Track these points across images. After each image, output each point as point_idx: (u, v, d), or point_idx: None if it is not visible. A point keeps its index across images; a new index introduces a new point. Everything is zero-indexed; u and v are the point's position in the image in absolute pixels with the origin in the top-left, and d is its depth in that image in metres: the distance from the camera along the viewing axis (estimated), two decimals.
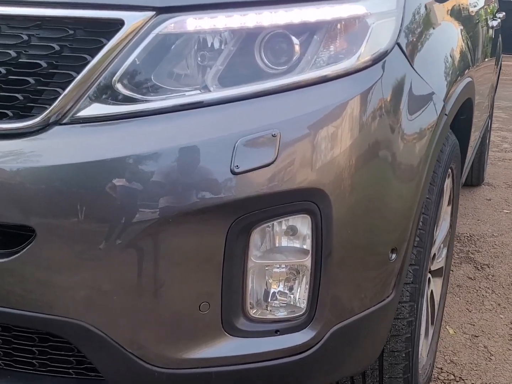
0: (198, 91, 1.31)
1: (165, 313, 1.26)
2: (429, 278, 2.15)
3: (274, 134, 1.24)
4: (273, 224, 1.31)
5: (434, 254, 2.18)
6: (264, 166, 1.23)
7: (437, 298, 2.33)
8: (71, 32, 1.28)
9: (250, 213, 1.26)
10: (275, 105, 1.28)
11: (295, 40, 1.35)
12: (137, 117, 1.25)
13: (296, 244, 1.34)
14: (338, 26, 1.38)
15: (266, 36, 1.35)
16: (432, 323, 2.26)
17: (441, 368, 2.36)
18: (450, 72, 1.72)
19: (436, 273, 2.30)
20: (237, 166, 1.21)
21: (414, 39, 1.54)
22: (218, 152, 1.21)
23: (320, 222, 1.30)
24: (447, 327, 2.66)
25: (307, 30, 1.36)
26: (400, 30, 1.47)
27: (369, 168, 1.36)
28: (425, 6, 1.63)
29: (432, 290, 2.21)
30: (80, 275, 1.23)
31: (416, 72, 1.52)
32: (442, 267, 2.34)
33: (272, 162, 1.23)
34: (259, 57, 1.35)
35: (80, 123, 1.25)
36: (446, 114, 1.65)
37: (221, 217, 1.24)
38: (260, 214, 1.27)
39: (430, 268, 2.16)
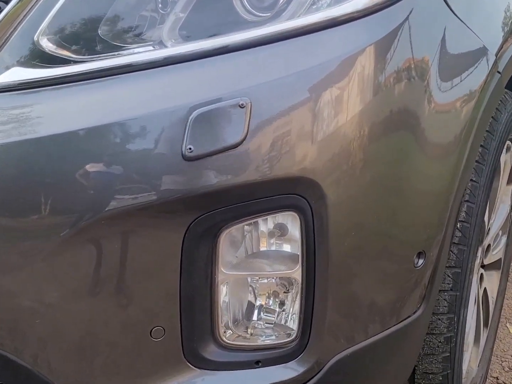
0: (151, 47, 0.99)
1: (103, 340, 0.96)
2: (481, 274, 1.77)
3: (243, 104, 0.89)
4: (249, 224, 0.99)
5: (489, 245, 1.79)
6: (228, 149, 0.89)
7: (492, 295, 1.94)
8: None
9: (213, 211, 0.93)
10: (246, 63, 0.93)
11: None
12: (65, 84, 0.94)
13: (281, 251, 1.01)
14: None
15: None
16: (486, 326, 1.89)
17: (497, 378, 1.98)
18: (506, 17, 1.31)
19: (492, 266, 1.91)
20: (190, 148, 0.88)
21: None
22: (164, 130, 0.89)
23: (311, 222, 0.96)
24: (508, 324, 2.27)
25: None
26: None
27: (384, 145, 0.99)
28: None
29: (485, 288, 1.84)
30: None
31: (456, 15, 1.13)
32: (500, 258, 1.95)
33: (240, 143, 0.89)
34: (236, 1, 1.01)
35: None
36: (499, 72, 1.25)
37: (173, 217, 0.92)
38: (229, 212, 0.94)
39: (483, 263, 1.78)
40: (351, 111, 0.93)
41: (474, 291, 1.63)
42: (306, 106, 0.91)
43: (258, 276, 1.01)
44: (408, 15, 1.03)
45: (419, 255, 1.12)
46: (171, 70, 0.93)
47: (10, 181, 0.90)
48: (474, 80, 1.20)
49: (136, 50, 0.97)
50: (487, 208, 1.50)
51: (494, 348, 2.00)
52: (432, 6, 1.08)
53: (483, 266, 1.80)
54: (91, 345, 0.96)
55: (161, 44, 0.98)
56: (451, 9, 1.12)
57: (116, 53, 0.97)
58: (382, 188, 1.01)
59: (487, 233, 1.71)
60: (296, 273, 0.99)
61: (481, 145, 1.33)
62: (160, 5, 1.03)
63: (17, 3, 0.96)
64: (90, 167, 0.88)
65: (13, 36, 0.96)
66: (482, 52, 1.20)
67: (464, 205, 1.31)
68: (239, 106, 0.89)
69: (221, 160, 0.90)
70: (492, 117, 1.34)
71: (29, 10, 0.96)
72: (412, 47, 1.04)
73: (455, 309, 1.32)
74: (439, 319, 1.32)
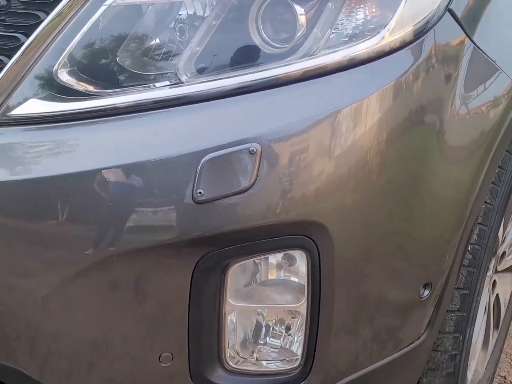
0: (167, 81, 1.00)
1: (115, 364, 1.01)
2: (494, 281, 1.78)
3: (253, 150, 0.91)
4: (258, 260, 1.01)
5: (504, 252, 1.79)
6: (238, 193, 0.91)
7: (505, 297, 1.95)
8: (3, 3, 1.00)
9: (222, 249, 0.96)
10: (258, 107, 0.94)
11: (298, 9, 0.99)
12: (79, 120, 0.96)
13: (288, 285, 1.04)
14: None
15: (261, 4, 1.00)
16: (496, 328, 1.90)
17: (505, 377, 2.01)
18: None
19: (507, 269, 1.92)
20: (200, 192, 0.91)
21: (477, 1, 1.12)
22: (176, 174, 0.91)
23: (318, 261, 0.98)
24: None
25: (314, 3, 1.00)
26: None
27: (391, 188, 1.01)
28: None
29: (497, 294, 1.85)
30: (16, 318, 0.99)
31: (478, 47, 1.12)
32: None
33: (249, 188, 0.91)
34: (253, 31, 1.01)
35: (12, 124, 0.98)
36: None
37: (183, 254, 0.95)
38: (237, 250, 0.97)
39: (496, 269, 1.78)
40: (353, 160, 0.95)
41: (485, 300, 1.65)
42: (315, 154, 0.92)
43: (265, 308, 1.05)
44: (423, 57, 1.02)
45: (425, 286, 1.13)
46: (183, 111, 0.94)
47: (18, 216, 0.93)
48: (494, 108, 1.18)
49: (151, 84, 0.99)
50: (503, 221, 1.50)
51: (505, 346, 2.02)
52: (452, 41, 1.07)
53: (496, 272, 1.81)
54: (102, 368, 1.01)
55: (176, 77, 0.99)
56: (472, 41, 1.10)
57: (130, 88, 0.98)
58: (388, 228, 1.03)
59: (503, 242, 1.71)
60: (302, 307, 1.02)
61: (498, 166, 1.33)
62: (177, 33, 1.03)
63: (37, 36, 0.97)
64: (102, 208, 0.91)
65: (33, 69, 0.97)
66: (503, 82, 1.18)
67: (477, 228, 1.31)
68: (249, 152, 0.90)
69: (230, 204, 0.92)
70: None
71: (49, 43, 0.97)
72: (423, 88, 1.04)
73: (461, 328, 1.34)
74: (445, 338, 1.34)
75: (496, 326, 1.90)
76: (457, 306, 1.32)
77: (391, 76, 0.99)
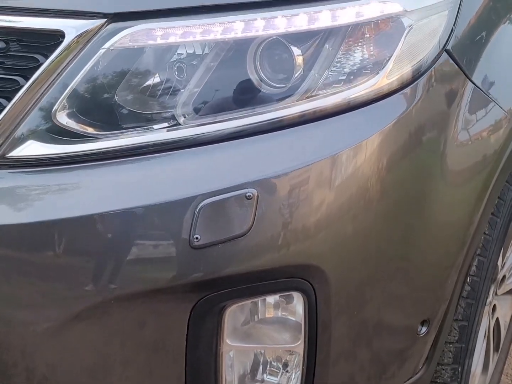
0: (165, 123, 1.00)
1: None
2: (494, 305, 1.78)
3: (250, 196, 0.91)
4: (255, 302, 1.02)
5: (504, 276, 1.79)
6: (234, 238, 0.92)
7: (505, 319, 1.95)
8: (2, 46, 1.00)
9: (219, 291, 0.96)
10: (256, 152, 0.95)
11: (295, 50, 1.00)
12: (78, 163, 0.96)
13: (285, 326, 1.04)
14: (360, 31, 1.01)
15: (259, 46, 1.01)
16: (496, 350, 1.90)
17: None
18: None
19: (506, 292, 1.91)
20: (197, 238, 0.91)
21: (475, 40, 1.12)
22: (173, 219, 0.91)
23: (314, 302, 0.99)
24: None
25: (314, 37, 1.00)
26: (452, 31, 1.07)
27: (388, 228, 1.01)
28: None
29: (497, 317, 1.84)
30: None
31: (476, 85, 1.12)
32: None
33: (246, 233, 0.92)
34: (251, 71, 1.01)
35: (10, 166, 0.99)
36: None
37: (180, 297, 0.95)
38: (235, 292, 0.97)
39: (496, 293, 1.78)
40: (350, 205, 0.95)
41: (484, 326, 1.65)
42: (312, 199, 0.93)
43: (262, 348, 1.05)
44: (419, 99, 1.03)
45: (423, 322, 1.14)
46: (180, 155, 0.95)
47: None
48: (494, 142, 1.19)
49: (149, 126, 0.99)
50: (502, 249, 1.50)
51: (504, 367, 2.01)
52: (449, 82, 1.07)
53: (496, 294, 1.81)
54: None
55: (174, 118, 1.00)
56: (471, 80, 1.10)
57: (129, 130, 0.99)
58: (385, 269, 1.03)
59: (502, 267, 1.71)
60: (299, 347, 1.03)
61: (498, 197, 1.33)
62: (176, 72, 1.04)
63: (36, 80, 0.98)
64: (99, 252, 0.92)
65: (32, 111, 0.98)
66: (501, 117, 1.18)
67: (475, 259, 1.31)
68: (246, 197, 0.91)
69: (227, 248, 0.92)
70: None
71: (48, 86, 0.97)
72: (419, 131, 1.04)
73: (460, 360, 1.34)
74: (443, 369, 1.34)
75: (496, 349, 1.89)
76: (456, 338, 1.33)
77: (389, 118, 0.99)
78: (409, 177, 1.02)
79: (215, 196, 0.91)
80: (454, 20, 1.07)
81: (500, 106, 1.16)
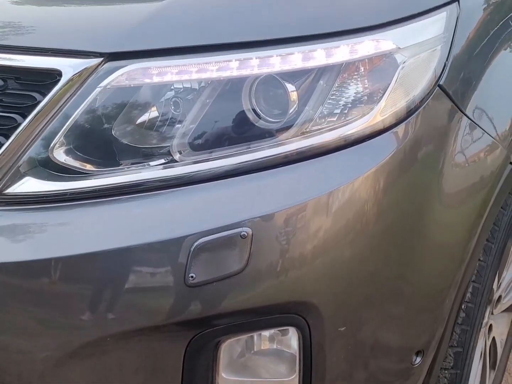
0: (162, 160, 1.01)
1: None
2: (490, 325, 1.79)
3: (244, 235, 0.92)
4: (250, 336, 1.03)
5: (500, 296, 1.80)
6: (229, 276, 0.93)
7: (502, 337, 1.96)
8: (0, 84, 1.01)
9: (214, 328, 0.97)
10: (250, 191, 0.96)
11: (290, 86, 1.01)
12: (74, 201, 0.98)
13: (281, 358, 1.05)
14: (354, 67, 1.02)
15: (254, 82, 1.02)
16: (493, 368, 1.91)
17: None
18: None
19: (503, 311, 1.92)
20: (192, 276, 0.92)
21: (467, 74, 1.13)
22: (168, 258, 0.92)
23: (309, 337, 1.00)
24: None
25: (308, 73, 1.01)
26: (445, 66, 1.08)
27: (381, 263, 1.02)
28: (486, 22, 1.19)
29: (494, 336, 1.85)
30: None
31: (469, 118, 1.13)
32: None
33: (241, 271, 0.93)
34: (247, 106, 1.02)
35: (8, 203, 1.00)
36: (511, 163, 1.25)
37: (176, 334, 0.96)
38: (230, 328, 0.98)
39: (492, 312, 1.79)
40: (345, 243, 0.96)
41: (480, 347, 1.66)
42: (307, 238, 0.94)
43: (258, 382, 1.06)
44: (410, 135, 1.04)
45: (418, 353, 1.15)
46: (176, 193, 0.96)
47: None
48: (486, 172, 1.20)
49: (146, 162, 1.00)
50: (498, 269, 1.51)
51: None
52: (441, 117, 1.08)
53: (492, 313, 1.82)
54: None
55: (169, 155, 1.01)
56: (463, 112, 1.11)
57: (125, 167, 1.00)
58: (379, 303, 1.04)
59: (498, 288, 1.72)
60: (293, 380, 1.04)
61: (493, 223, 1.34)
62: (172, 107, 1.05)
63: (33, 118, 0.99)
64: (95, 290, 0.93)
65: (30, 148, 0.98)
66: (494, 147, 1.19)
67: (470, 286, 1.32)
68: (241, 236, 0.92)
69: (222, 287, 0.93)
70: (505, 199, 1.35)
71: (46, 124, 0.98)
72: (424, 158, 1.06)
73: None
74: None
75: (493, 367, 1.90)
76: (451, 364, 1.34)
77: (384, 155, 1.00)
78: (405, 215, 1.03)
79: (210, 235, 0.92)
80: (446, 55, 1.08)
81: (492, 137, 1.18)
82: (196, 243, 0.92)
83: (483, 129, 1.15)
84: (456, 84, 1.10)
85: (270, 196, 0.95)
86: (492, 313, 1.79)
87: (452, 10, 1.11)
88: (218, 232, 0.92)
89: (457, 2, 1.12)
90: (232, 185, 0.96)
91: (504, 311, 1.94)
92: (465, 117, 1.12)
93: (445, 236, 1.12)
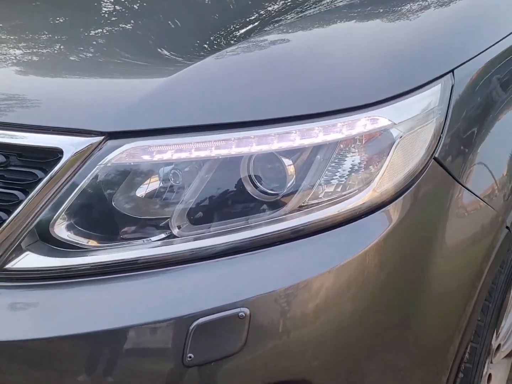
0: (162, 235, 1.02)
1: None
2: (489, 375, 1.79)
3: (242, 316, 0.93)
4: None
5: (499, 345, 1.80)
6: (227, 356, 0.94)
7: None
8: (2, 160, 1.03)
9: None
10: (248, 271, 0.97)
11: (286, 161, 1.02)
12: (73, 277, 0.99)
13: None
14: (350, 143, 1.03)
15: (251, 157, 1.03)
16: None
17: None
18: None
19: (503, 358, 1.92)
20: (190, 357, 0.93)
21: (463, 143, 1.15)
22: (166, 338, 0.93)
23: None
24: None
25: (304, 150, 1.03)
26: (440, 138, 1.09)
27: (381, 326, 1.04)
28: (481, 91, 1.21)
29: None
30: None
31: (464, 186, 1.14)
32: None
33: (239, 351, 0.94)
34: (245, 180, 1.04)
35: (8, 279, 1.01)
36: (507, 227, 1.26)
37: None
38: None
39: (491, 361, 1.79)
40: (349, 321, 0.98)
41: None
42: (303, 317, 0.95)
43: None
44: (419, 198, 1.06)
45: None
46: (175, 272, 0.97)
47: None
48: (484, 237, 1.21)
49: (144, 237, 1.02)
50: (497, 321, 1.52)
51: None
52: (441, 185, 1.10)
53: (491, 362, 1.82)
54: None
55: (168, 229, 1.02)
56: (460, 183, 1.13)
57: (125, 242, 1.01)
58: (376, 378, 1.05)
59: (497, 337, 1.72)
60: None
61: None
62: (171, 182, 1.06)
63: (35, 195, 1.00)
64: (92, 368, 0.94)
65: (31, 225, 1.00)
66: (491, 213, 1.21)
67: (468, 346, 1.33)
68: (239, 317, 0.93)
69: (220, 366, 0.94)
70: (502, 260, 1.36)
71: (47, 201, 0.99)
72: (422, 230, 1.08)
73: None
74: None
75: None
76: None
77: (382, 230, 1.01)
78: (403, 290, 1.05)
79: (208, 315, 0.93)
80: (442, 127, 1.10)
81: (488, 203, 1.19)
82: (194, 324, 0.92)
83: (478, 197, 1.17)
84: (451, 154, 1.11)
85: (268, 276, 0.96)
86: (491, 362, 1.80)
87: (447, 82, 1.13)
88: (216, 313, 0.93)
89: (451, 73, 1.14)
90: (229, 264, 0.97)
91: (505, 357, 1.94)
92: (460, 186, 1.13)
93: (443, 305, 1.13)
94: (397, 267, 1.05)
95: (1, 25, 1.61)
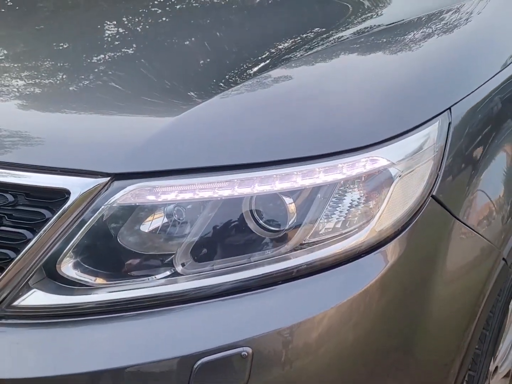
0: (167, 272, 1.05)
1: None
2: None
3: (245, 355, 0.96)
4: None
5: (496, 367, 1.82)
6: None
7: None
8: (11, 199, 1.05)
9: None
10: (250, 308, 0.99)
11: (287, 199, 1.05)
12: (78, 316, 1.01)
13: None
14: (351, 183, 1.06)
15: (253, 198, 1.06)
16: None
17: None
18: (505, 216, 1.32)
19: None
20: None
21: (460, 179, 1.18)
22: (169, 378, 0.95)
23: None
24: None
25: (304, 190, 1.05)
26: (437, 176, 1.12)
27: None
28: (478, 127, 1.24)
29: None
30: None
31: (461, 221, 1.17)
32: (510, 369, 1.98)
33: None
34: (248, 217, 1.06)
35: (15, 317, 1.03)
36: (504, 259, 1.29)
37: None
38: None
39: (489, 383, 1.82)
40: (349, 359, 1.00)
41: None
42: (306, 354, 0.98)
43: None
44: (414, 236, 1.08)
45: None
46: (178, 311, 0.99)
47: None
48: (481, 269, 1.24)
49: (149, 275, 1.04)
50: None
51: None
52: (439, 220, 1.13)
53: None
54: None
55: (172, 266, 1.04)
56: (457, 218, 1.15)
57: (130, 279, 1.03)
58: None
59: (495, 360, 1.74)
60: None
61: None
62: (175, 215, 1.08)
63: (42, 234, 1.02)
64: None
65: (39, 263, 1.01)
66: (487, 247, 1.23)
67: (466, 375, 1.35)
68: (241, 356, 0.95)
69: None
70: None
71: (54, 240, 1.01)
72: (422, 263, 1.11)
73: None
74: None
75: None
76: None
77: (380, 268, 1.04)
78: (403, 322, 1.07)
79: (211, 355, 0.95)
80: (439, 164, 1.12)
81: (486, 238, 1.22)
82: (198, 363, 0.95)
83: (476, 231, 1.19)
84: (449, 191, 1.14)
85: (270, 315, 0.99)
86: None
87: (444, 119, 1.15)
88: (219, 352, 0.95)
89: (448, 110, 1.17)
90: (232, 303, 0.99)
91: (503, 377, 1.96)
92: (458, 222, 1.16)
93: (443, 333, 1.16)
94: (396, 302, 1.07)
95: (5, 51, 1.64)
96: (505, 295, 1.44)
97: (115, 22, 1.68)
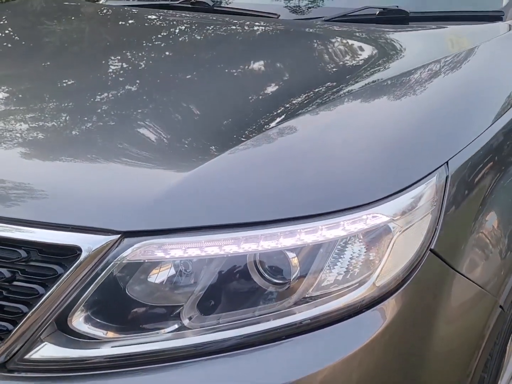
0: (175, 325, 1.08)
1: None
2: None
3: None
4: None
5: None
6: None
7: None
8: (24, 255, 1.09)
9: None
10: (254, 364, 1.02)
11: (290, 254, 1.08)
12: (86, 370, 1.04)
13: None
14: (352, 239, 1.10)
15: (257, 256, 1.09)
16: None
17: None
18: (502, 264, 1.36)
19: None
20: None
21: (458, 232, 1.22)
22: None
23: None
24: None
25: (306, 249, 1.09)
26: (436, 230, 1.16)
27: None
28: (475, 179, 1.28)
29: None
30: None
31: (460, 272, 1.21)
32: None
33: None
34: (252, 272, 1.10)
35: (26, 370, 1.06)
36: (501, 306, 1.32)
37: None
38: None
39: None
40: None
41: None
42: None
43: None
44: (417, 287, 1.12)
45: None
46: (183, 367, 1.03)
47: None
48: (479, 317, 1.27)
49: (157, 328, 1.07)
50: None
51: None
52: (438, 273, 1.17)
53: None
54: None
55: (179, 319, 1.08)
56: (455, 270, 1.19)
57: (138, 332, 1.07)
58: None
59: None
60: None
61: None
62: (182, 269, 1.12)
63: (54, 290, 1.05)
64: None
65: (51, 318, 1.04)
66: (483, 295, 1.27)
67: None
68: None
69: None
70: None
71: (66, 296, 1.04)
72: (422, 315, 1.14)
73: None
74: None
75: None
76: None
77: (381, 323, 1.07)
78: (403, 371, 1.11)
79: None
80: (437, 218, 1.16)
81: (483, 288, 1.25)
82: None
83: (473, 281, 1.22)
84: (447, 244, 1.18)
85: (274, 370, 1.02)
86: None
87: (441, 173, 1.19)
88: None
89: (445, 164, 1.21)
90: (237, 359, 1.03)
91: None
92: (456, 273, 1.19)
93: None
94: (397, 354, 1.11)
95: (10, 88, 1.66)
96: (502, 336, 1.47)
97: (127, 68, 1.71)
